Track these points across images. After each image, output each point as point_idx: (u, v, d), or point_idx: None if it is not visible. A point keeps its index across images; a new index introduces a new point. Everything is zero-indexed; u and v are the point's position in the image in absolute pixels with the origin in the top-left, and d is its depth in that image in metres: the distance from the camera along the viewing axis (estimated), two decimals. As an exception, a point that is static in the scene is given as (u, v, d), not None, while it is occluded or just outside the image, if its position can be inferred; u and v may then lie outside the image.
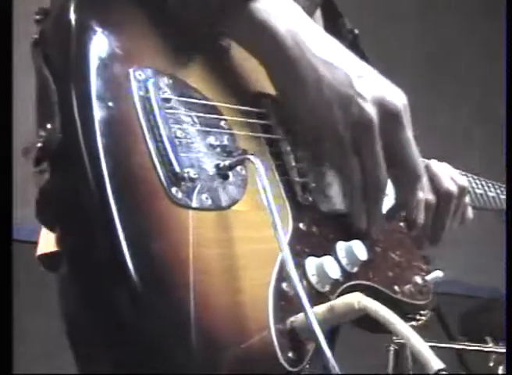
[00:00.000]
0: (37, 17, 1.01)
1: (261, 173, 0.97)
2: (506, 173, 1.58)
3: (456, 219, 1.44)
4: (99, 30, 0.96)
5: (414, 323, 1.32)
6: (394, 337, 2.83)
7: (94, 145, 0.88)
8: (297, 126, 1.12)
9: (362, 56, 1.36)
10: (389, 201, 1.19)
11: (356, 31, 1.55)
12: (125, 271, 0.86)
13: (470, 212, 1.48)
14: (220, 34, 1.09)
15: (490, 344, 2.94)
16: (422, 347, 0.88)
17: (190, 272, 0.90)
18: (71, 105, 0.90)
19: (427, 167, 1.36)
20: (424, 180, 1.24)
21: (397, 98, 1.10)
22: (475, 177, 1.71)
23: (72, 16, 0.94)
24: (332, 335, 1.32)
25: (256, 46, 1.08)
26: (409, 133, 1.11)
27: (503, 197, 1.86)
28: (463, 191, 1.38)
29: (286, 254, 0.93)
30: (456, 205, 1.39)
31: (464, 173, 1.65)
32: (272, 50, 1.07)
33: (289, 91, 1.09)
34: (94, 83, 0.92)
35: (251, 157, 0.98)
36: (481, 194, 1.73)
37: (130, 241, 0.87)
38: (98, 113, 0.90)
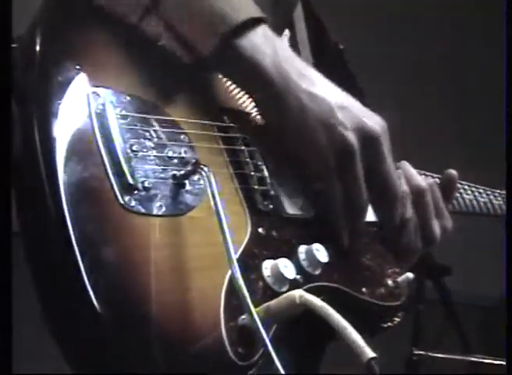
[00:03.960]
0: (14, 45, 1.10)
1: (211, 181, 1.05)
2: (506, 174, 1.60)
3: (444, 217, 1.47)
4: (63, 57, 1.05)
5: (389, 324, 1.37)
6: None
7: (52, 159, 0.97)
8: (282, 153, 1.21)
9: (347, 71, 1.43)
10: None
11: (341, 46, 1.62)
12: (79, 277, 0.94)
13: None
14: (205, 70, 1.18)
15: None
16: (357, 337, 0.94)
17: (142, 274, 0.98)
18: (31, 124, 0.99)
19: (401, 166, 1.42)
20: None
21: (377, 124, 1.20)
22: (463, 183, 1.75)
23: (37, 46, 1.04)
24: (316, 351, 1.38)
25: (243, 81, 1.19)
26: (388, 156, 1.21)
27: (497, 202, 1.89)
28: (432, 186, 1.44)
29: (231, 256, 1.00)
30: (433, 200, 1.43)
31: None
32: (258, 84, 1.17)
33: (275, 121, 1.20)
34: (54, 104, 1.01)
35: (203, 166, 1.06)
36: (470, 200, 1.77)
37: (85, 247, 0.95)
38: (57, 130, 0.99)
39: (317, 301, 0.98)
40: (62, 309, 0.96)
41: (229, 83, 1.22)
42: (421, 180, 1.42)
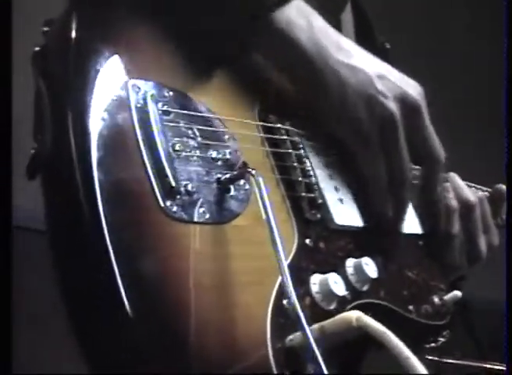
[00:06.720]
0: (44, 29, 1.01)
1: (260, 187, 0.95)
2: (506, 173, 1.51)
3: (492, 233, 1.39)
4: (100, 44, 0.95)
5: (432, 344, 1.28)
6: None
7: (87, 158, 0.87)
8: (321, 131, 1.14)
9: None
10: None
11: (387, 45, 1.56)
12: (114, 288, 0.84)
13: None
14: (243, 50, 1.09)
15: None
16: (421, 369, 0.84)
17: (182, 288, 0.88)
18: (65, 118, 0.89)
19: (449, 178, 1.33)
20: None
21: (416, 91, 1.15)
22: None
23: (73, 31, 0.94)
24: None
25: (279, 57, 1.11)
26: (429, 123, 1.17)
27: None
28: (483, 200, 1.35)
29: (285, 272, 0.90)
30: (482, 215, 1.34)
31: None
32: (295, 60, 1.09)
33: (313, 98, 1.12)
34: (91, 96, 0.91)
35: (251, 171, 0.96)
36: None
37: (121, 255, 0.85)
38: (93, 125, 0.89)
39: (376, 326, 0.88)
40: (95, 321, 0.85)
41: (269, 76, 1.13)
42: (471, 193, 1.33)
